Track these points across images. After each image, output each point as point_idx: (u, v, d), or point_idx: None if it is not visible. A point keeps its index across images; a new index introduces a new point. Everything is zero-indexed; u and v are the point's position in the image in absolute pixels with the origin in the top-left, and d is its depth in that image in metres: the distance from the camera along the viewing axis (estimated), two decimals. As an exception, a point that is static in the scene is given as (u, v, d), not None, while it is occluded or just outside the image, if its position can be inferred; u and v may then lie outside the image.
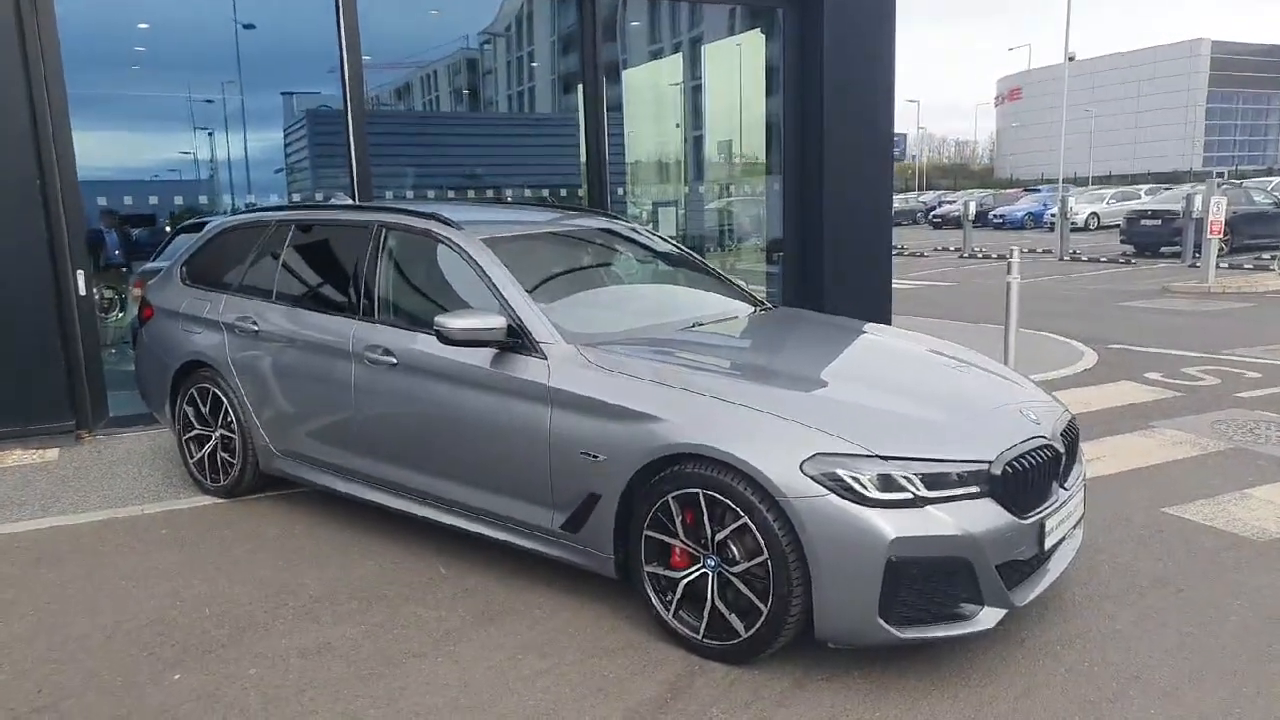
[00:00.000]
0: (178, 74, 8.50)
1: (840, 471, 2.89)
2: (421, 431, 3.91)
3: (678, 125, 10.24)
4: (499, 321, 3.58)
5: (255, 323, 4.62)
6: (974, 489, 2.97)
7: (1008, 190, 45.97)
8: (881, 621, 2.88)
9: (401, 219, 4.25)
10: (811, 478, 2.89)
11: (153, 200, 8.16)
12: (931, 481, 2.92)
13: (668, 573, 3.25)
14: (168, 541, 4.39)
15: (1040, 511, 3.12)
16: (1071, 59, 28.45)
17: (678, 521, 3.19)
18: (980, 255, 22.83)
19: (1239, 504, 4.66)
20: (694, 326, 4.03)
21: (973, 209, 25.65)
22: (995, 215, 36.17)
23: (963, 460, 2.98)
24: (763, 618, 3.01)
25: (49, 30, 6.04)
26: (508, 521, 3.72)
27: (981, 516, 2.94)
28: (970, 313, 12.13)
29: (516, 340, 3.62)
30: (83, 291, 6.31)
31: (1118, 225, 29.81)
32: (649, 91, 10.15)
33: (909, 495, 2.89)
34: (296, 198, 9.27)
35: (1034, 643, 3.31)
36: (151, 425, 6.46)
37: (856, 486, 2.87)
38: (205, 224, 8.14)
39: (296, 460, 4.55)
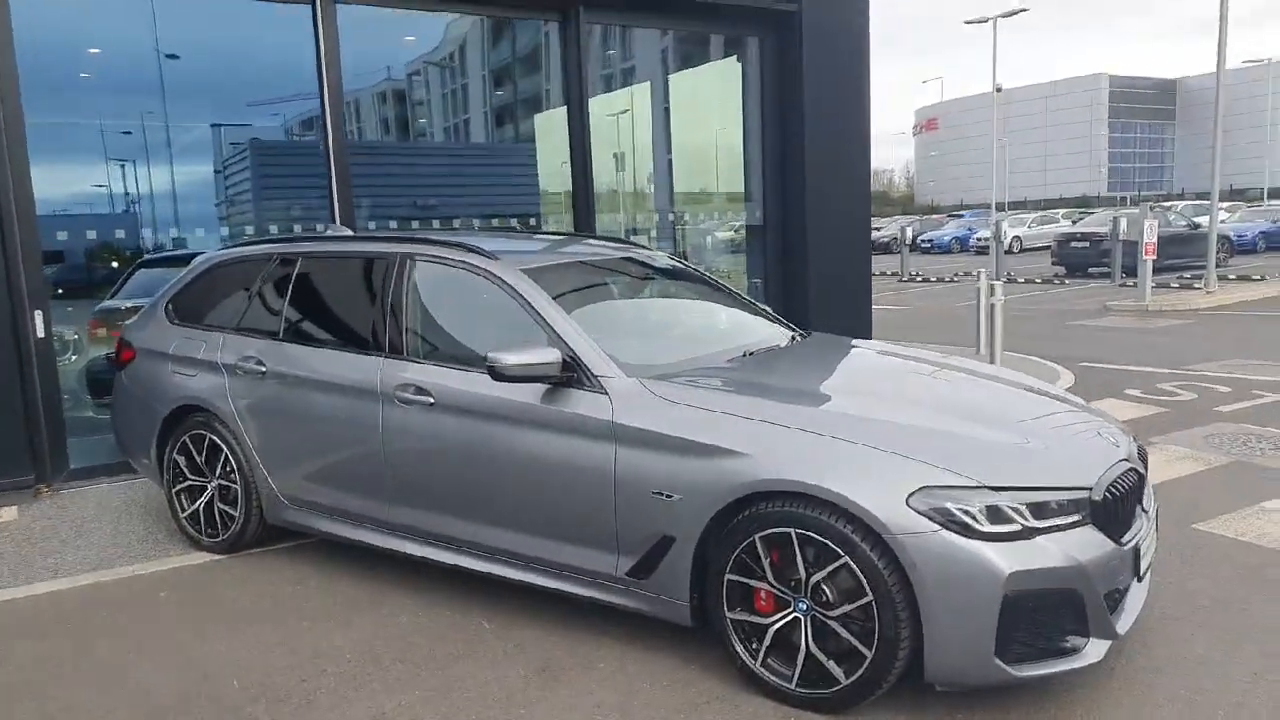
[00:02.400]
0: (92, 101, 8.01)
1: (950, 505, 2.76)
2: (464, 475, 3.65)
3: (617, 155, 10.13)
4: (554, 355, 3.37)
5: (261, 363, 4.30)
6: (1076, 517, 2.87)
7: (933, 216, 47.34)
8: (998, 661, 2.75)
9: (428, 249, 4.01)
10: (920, 513, 2.75)
11: (62, 235, 7.67)
12: (1038, 510, 2.81)
13: (753, 619, 3.06)
14: (170, 605, 4.01)
15: (1134, 536, 3.04)
16: (999, 90, 29.51)
17: (765, 563, 3.01)
18: (919, 279, 23.34)
19: (1262, 518, 4.70)
20: (745, 355, 3.88)
21: (909, 234, 26.25)
22: (923, 240, 37.16)
23: (1067, 488, 2.89)
24: (867, 663, 2.84)
25: (6, 53, 5.62)
26: (563, 569, 3.48)
27: (1087, 545, 2.84)
28: (930, 336, 12.28)
29: (571, 375, 3.41)
30: (41, 334, 5.84)
31: (1040, 248, 31.06)
32: (618, 120, 10.07)
33: (1018, 526, 2.77)
34: (250, 230, 8.87)
35: (1123, 672, 3.21)
36: (117, 476, 6.01)
37: (968, 520, 2.74)
38: (167, 259, 7.74)
39: (311, 510, 4.22)
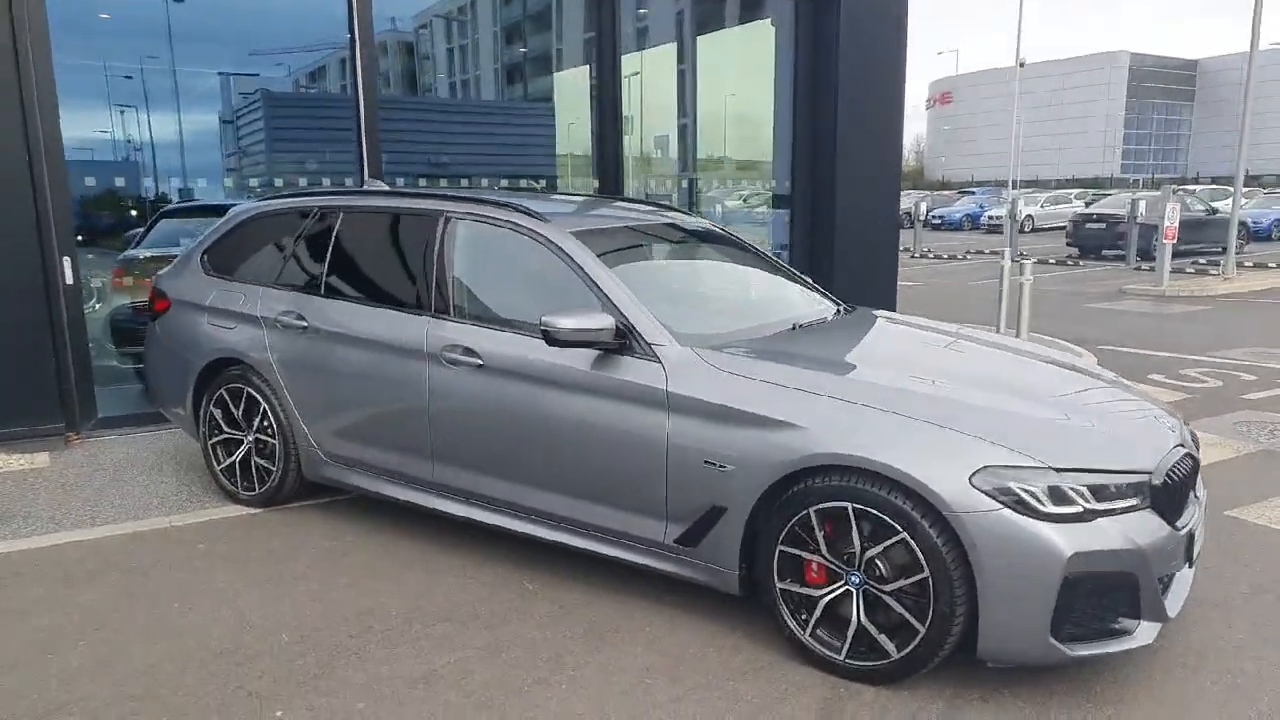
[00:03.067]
0: (97, 44, 7.82)
1: (1013, 484, 2.75)
2: (512, 438, 3.64)
3: (627, 118, 10.06)
4: (607, 321, 3.35)
5: (302, 317, 4.28)
6: (1135, 500, 2.86)
7: (944, 192, 47.01)
8: (1053, 640, 2.76)
9: (477, 209, 3.97)
10: (983, 491, 2.75)
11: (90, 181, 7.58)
12: (1099, 493, 2.81)
13: (805, 590, 3.07)
14: (210, 557, 4.03)
15: (1189, 522, 3.04)
16: (1023, 64, 29.09)
17: (818, 536, 3.01)
18: (931, 256, 23.20)
19: (1295, 507, 4.71)
20: (794, 328, 3.85)
21: (924, 209, 26.06)
22: (934, 216, 36.88)
23: (1128, 471, 2.88)
24: (919, 638, 2.86)
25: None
26: (611, 534, 3.49)
27: (1145, 528, 2.84)
28: (947, 314, 12.20)
29: (624, 342, 3.39)
30: (70, 280, 5.82)
31: (1052, 228, 30.85)
32: (629, 83, 9.96)
33: (1079, 508, 2.77)
34: (280, 182, 8.82)
35: (1165, 655, 3.23)
36: (145, 426, 6.02)
37: (1030, 500, 2.74)
38: (189, 209, 7.70)
39: (351, 467, 4.22)
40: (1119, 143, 78.48)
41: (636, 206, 4.77)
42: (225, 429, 4.61)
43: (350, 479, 4.25)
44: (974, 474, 2.77)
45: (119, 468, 5.28)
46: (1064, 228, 24.38)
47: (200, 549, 4.12)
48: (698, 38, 9.82)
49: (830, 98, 7.91)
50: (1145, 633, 2.89)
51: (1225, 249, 16.19)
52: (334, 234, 4.38)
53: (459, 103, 11.51)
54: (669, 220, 4.53)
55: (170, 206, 7.61)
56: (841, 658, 3.01)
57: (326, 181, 7.61)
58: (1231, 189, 20.29)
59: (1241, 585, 3.81)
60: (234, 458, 4.59)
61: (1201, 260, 18.86)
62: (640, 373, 3.34)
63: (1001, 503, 2.73)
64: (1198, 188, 30.73)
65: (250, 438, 4.51)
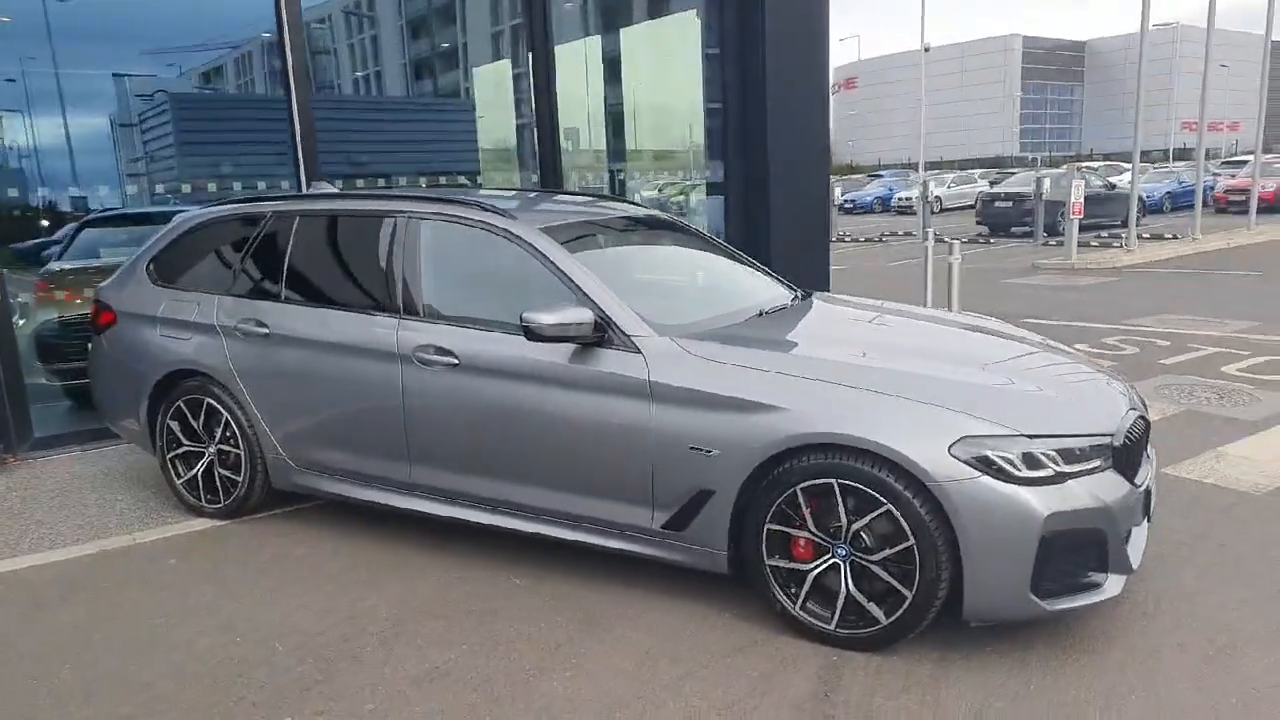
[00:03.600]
0: None
1: (990, 453, 2.91)
2: (494, 435, 3.66)
3: (523, 110, 10.11)
4: (586, 315, 3.40)
5: (263, 324, 4.20)
6: (1099, 462, 3.06)
7: (853, 176, 48.13)
8: (1033, 597, 2.94)
9: (441, 208, 3.96)
10: (962, 461, 2.91)
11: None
12: (1067, 456, 2.99)
13: (794, 565, 3.19)
14: (184, 572, 3.94)
15: (1145, 479, 3.26)
16: (927, 49, 29.98)
17: (805, 512, 3.13)
18: (849, 239, 23.76)
19: (1221, 462, 5.05)
20: (760, 314, 3.97)
21: (838, 193, 26.62)
22: (847, 200, 37.72)
23: (1092, 434, 3.08)
24: (907, 603, 3.01)
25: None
26: (599, 524, 3.55)
27: (1110, 487, 3.04)
28: (876, 294, 12.57)
29: (602, 335, 3.45)
30: (-2, 296, 5.58)
31: (959, 208, 31.91)
32: (572, 73, 9.99)
33: (1051, 472, 2.95)
34: (217, 187, 8.54)
35: (1124, 605, 3.45)
36: (86, 444, 5.82)
37: (1007, 467, 2.90)
38: (113, 218, 7.41)
39: (323, 473, 4.18)
40: (1017, 123, 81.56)
41: (583, 199, 4.84)
42: (185, 442, 4.50)
43: (322, 485, 4.21)
44: (953, 444, 2.93)
45: (66, 488, 5.09)
46: (971, 207, 25.28)
47: (171, 564, 4.03)
48: (622, 30, 9.88)
49: (758, 84, 8.03)
50: (1113, 585, 3.10)
51: (1125, 222, 17.02)
52: (291, 238, 4.31)
53: (384, 100, 11.32)
54: (626, 213, 4.59)
55: (93, 215, 7.31)
56: (832, 627, 3.14)
57: (263, 185, 7.42)
58: (1121, 164, 21.34)
59: (1184, 537, 4.08)
60: (195, 471, 4.48)
61: (1104, 234, 19.79)
62: (621, 364, 3.40)
63: (980, 470, 2.90)
64: (1097, 165, 32.15)
65: (213, 449, 4.42)
